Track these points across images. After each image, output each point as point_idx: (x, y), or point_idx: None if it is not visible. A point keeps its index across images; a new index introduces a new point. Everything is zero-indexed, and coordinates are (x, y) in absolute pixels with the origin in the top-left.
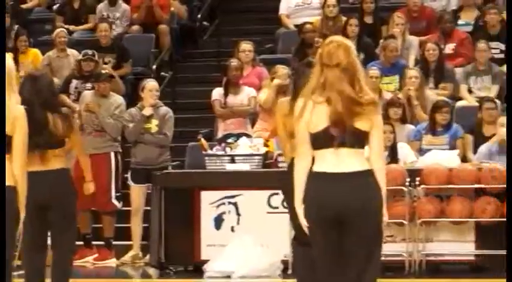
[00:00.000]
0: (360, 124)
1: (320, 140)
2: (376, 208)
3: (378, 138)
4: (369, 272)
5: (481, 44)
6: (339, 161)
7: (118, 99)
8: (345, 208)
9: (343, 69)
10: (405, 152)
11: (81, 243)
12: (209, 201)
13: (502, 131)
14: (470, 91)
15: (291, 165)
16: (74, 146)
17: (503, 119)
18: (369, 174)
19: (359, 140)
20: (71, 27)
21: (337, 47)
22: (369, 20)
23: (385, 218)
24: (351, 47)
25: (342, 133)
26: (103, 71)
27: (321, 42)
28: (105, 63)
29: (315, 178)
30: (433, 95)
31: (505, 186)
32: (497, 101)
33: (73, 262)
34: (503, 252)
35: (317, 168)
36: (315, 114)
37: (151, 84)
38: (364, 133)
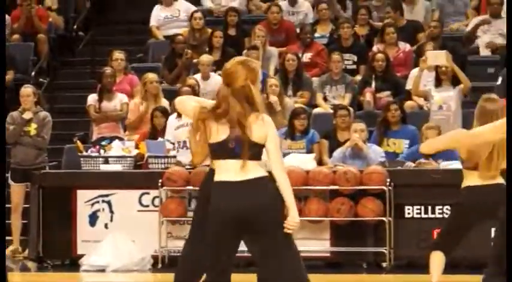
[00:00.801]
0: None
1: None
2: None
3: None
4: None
5: (336, 56)
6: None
7: None
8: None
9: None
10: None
11: None
12: (84, 199)
13: (355, 137)
14: (325, 99)
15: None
16: None
17: (355, 125)
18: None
19: (257, 152)
20: None
21: (240, 68)
22: (232, 32)
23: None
24: (253, 66)
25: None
26: None
27: (190, 53)
28: None
29: None
30: (291, 102)
31: (358, 188)
32: (350, 109)
33: None
34: (356, 249)
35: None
36: None
37: (24, 90)
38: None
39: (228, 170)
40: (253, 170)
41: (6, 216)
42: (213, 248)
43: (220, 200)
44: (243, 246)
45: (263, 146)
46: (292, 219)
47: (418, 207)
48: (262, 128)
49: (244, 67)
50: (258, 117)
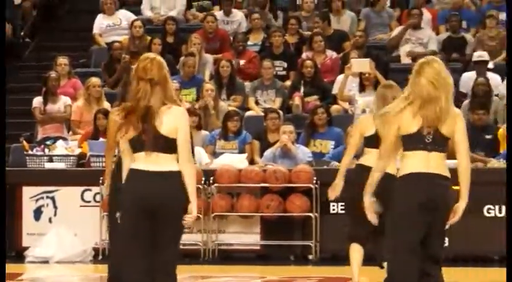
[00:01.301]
0: (169, 131)
1: (135, 145)
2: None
3: (183, 142)
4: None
5: (267, 62)
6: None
7: None
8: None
9: (156, 83)
10: (201, 154)
11: None
12: (29, 195)
13: (284, 138)
14: (257, 103)
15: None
16: None
17: (284, 127)
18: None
19: (169, 145)
20: None
21: (151, 63)
22: (170, 39)
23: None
24: (163, 63)
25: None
26: None
27: (128, 58)
28: None
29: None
30: (225, 105)
31: (286, 185)
32: (280, 112)
33: None
34: (284, 242)
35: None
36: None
37: None
38: (172, 139)
39: (144, 161)
40: (165, 163)
41: None
42: (127, 235)
43: (132, 188)
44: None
45: (173, 139)
46: (190, 213)
47: (343, 203)
48: (173, 120)
49: (158, 62)
50: (169, 109)
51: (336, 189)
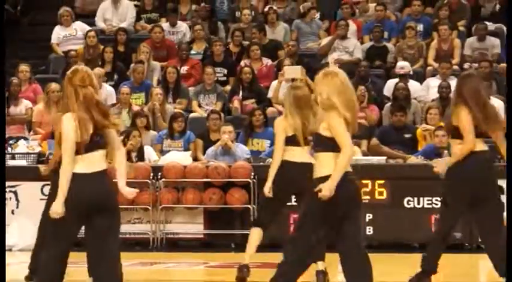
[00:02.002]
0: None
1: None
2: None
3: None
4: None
5: (208, 69)
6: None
7: None
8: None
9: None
10: (149, 152)
11: None
12: None
13: (224, 137)
14: (200, 105)
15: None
16: None
17: (225, 128)
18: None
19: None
20: None
21: (86, 73)
22: (121, 48)
23: None
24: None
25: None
26: None
27: (82, 65)
28: None
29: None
30: (171, 108)
31: (227, 180)
32: (221, 114)
33: None
34: (225, 231)
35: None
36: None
37: None
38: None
39: (93, 161)
40: (102, 162)
41: None
42: (59, 234)
43: (75, 191)
44: None
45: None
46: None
47: None
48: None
49: (91, 73)
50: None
51: (267, 189)
